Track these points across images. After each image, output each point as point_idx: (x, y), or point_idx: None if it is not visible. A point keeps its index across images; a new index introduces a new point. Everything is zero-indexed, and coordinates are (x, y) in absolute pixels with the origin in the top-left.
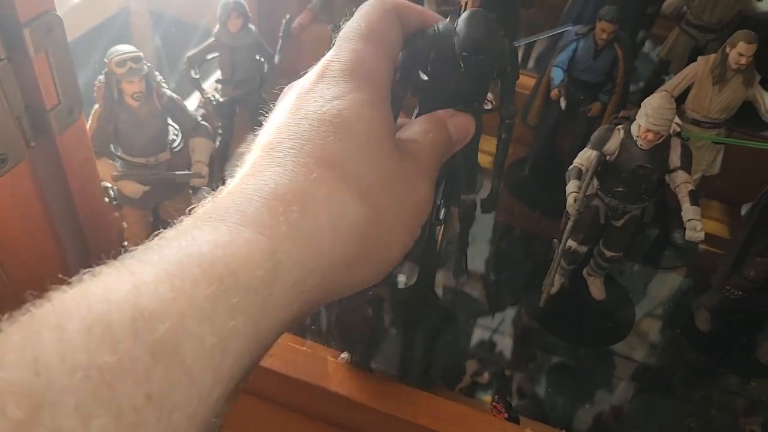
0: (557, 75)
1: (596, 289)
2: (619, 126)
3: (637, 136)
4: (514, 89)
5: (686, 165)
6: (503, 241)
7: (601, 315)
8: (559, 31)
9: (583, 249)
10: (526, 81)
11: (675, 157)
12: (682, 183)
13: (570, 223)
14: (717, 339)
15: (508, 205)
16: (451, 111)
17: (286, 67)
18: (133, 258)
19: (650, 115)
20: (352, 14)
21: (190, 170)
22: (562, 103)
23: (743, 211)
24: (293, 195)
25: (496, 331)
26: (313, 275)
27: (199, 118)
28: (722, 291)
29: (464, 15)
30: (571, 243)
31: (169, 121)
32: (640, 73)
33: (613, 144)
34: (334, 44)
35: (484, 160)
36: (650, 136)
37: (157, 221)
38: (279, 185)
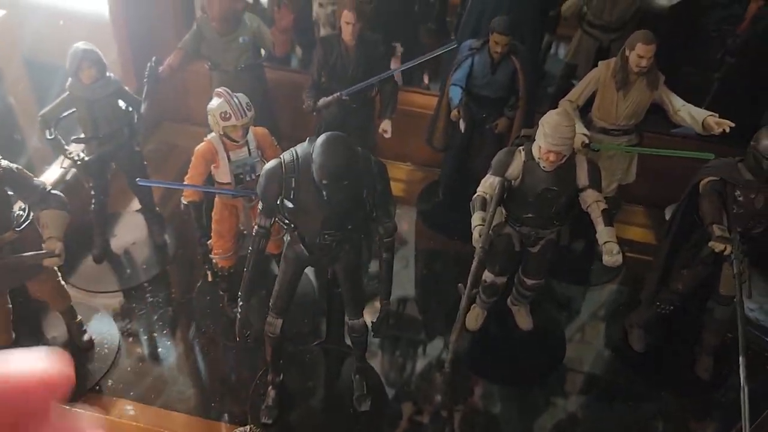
0: (455, 94)
1: (522, 319)
2: (520, 147)
3: (539, 158)
4: (388, 206)
5: (595, 183)
6: (426, 274)
7: (530, 348)
8: (445, 49)
9: (502, 280)
10: (427, 101)
11: (582, 176)
12: (593, 203)
13: (475, 263)
14: (653, 357)
15: (426, 236)
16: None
17: (172, 109)
18: None
19: (549, 134)
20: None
21: (41, 248)
22: (461, 126)
23: (667, 215)
24: None
25: (429, 371)
26: None
27: (48, 187)
28: (652, 307)
29: (319, 140)
30: (487, 275)
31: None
32: (553, 76)
33: (515, 168)
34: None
35: (398, 188)
36: (552, 156)
37: (27, 301)
38: None
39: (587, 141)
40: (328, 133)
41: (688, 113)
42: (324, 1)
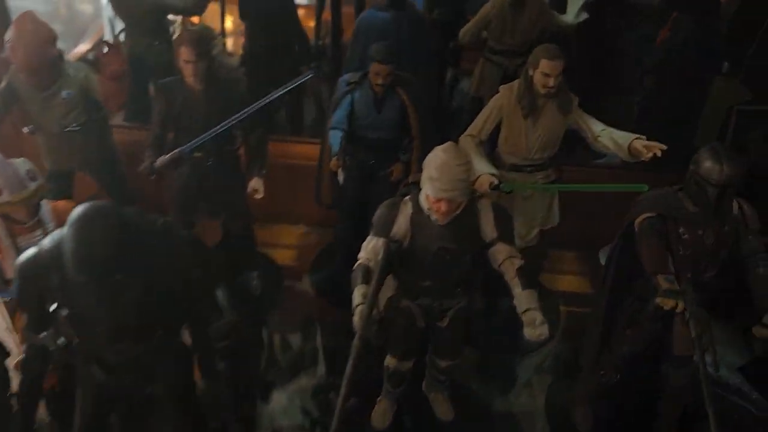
0: (335, 139)
1: (441, 407)
2: (407, 197)
3: (429, 209)
4: (213, 300)
5: (505, 234)
6: (339, 347)
7: None
8: (300, 81)
9: (407, 365)
10: (314, 150)
11: (488, 227)
12: (505, 260)
13: (351, 360)
14: None
15: (322, 311)
16: None
17: None
18: None
19: (436, 178)
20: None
21: None
22: (340, 177)
23: (602, 258)
24: None
25: None
26: None
27: None
28: (596, 376)
29: (73, 216)
30: (389, 361)
31: None
32: (467, 111)
33: (402, 224)
34: None
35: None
36: (443, 206)
37: None
38: None
39: (496, 182)
40: (85, 205)
41: (610, 138)
42: None
